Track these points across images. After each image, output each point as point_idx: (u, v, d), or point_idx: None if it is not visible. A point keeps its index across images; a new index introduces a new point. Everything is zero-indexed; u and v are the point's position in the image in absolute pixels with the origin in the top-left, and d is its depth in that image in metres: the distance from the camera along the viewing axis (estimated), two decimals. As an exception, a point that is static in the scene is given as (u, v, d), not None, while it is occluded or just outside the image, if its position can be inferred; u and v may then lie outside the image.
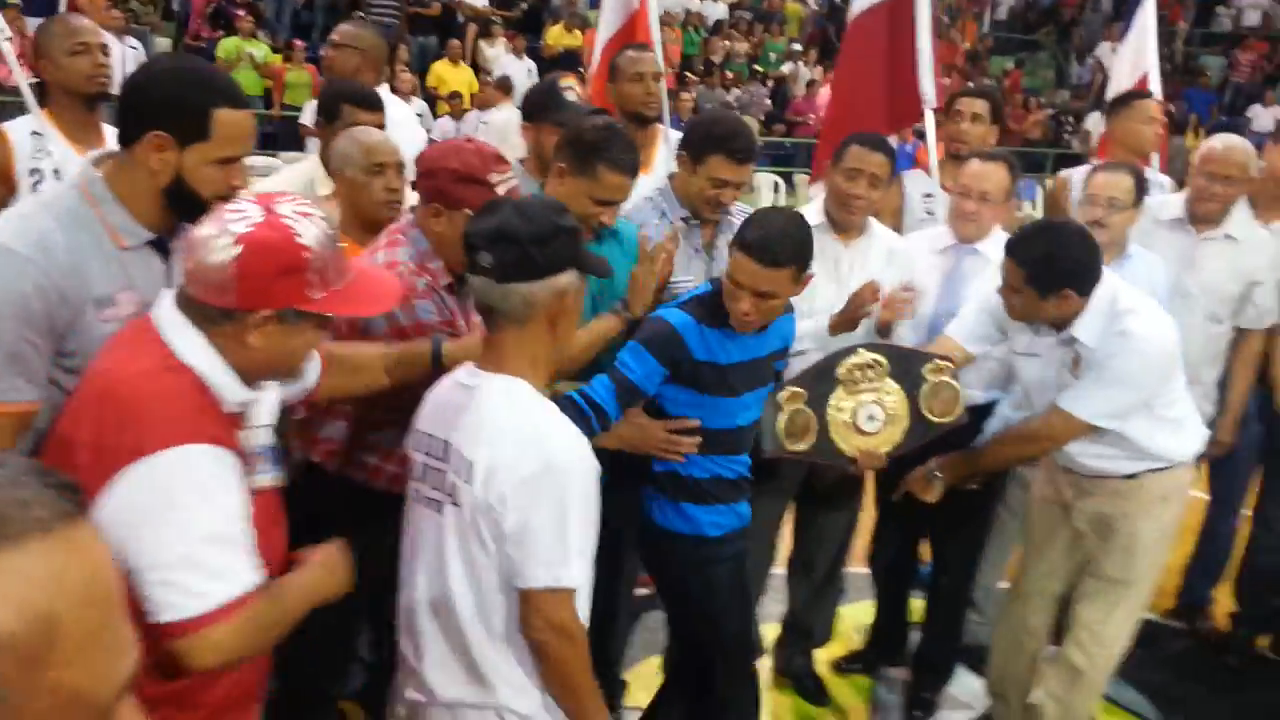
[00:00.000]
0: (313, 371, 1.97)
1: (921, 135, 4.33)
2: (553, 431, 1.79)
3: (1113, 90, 4.85)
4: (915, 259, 3.26)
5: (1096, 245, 2.71)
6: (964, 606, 3.51)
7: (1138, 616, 3.01)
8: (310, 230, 1.57)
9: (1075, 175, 4.13)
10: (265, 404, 1.70)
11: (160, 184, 1.85)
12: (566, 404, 2.29)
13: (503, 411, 1.78)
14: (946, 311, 3.20)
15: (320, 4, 14.10)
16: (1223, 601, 4.17)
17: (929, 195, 3.93)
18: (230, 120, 1.88)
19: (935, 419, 2.80)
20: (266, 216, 1.55)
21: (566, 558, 1.75)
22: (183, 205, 1.86)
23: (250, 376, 1.61)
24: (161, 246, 1.91)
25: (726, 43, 16.42)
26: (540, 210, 1.84)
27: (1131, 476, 2.87)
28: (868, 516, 3.54)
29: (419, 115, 11.38)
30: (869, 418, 2.76)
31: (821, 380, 2.74)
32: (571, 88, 3.08)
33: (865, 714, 3.52)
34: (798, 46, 16.99)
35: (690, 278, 2.81)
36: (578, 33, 14.42)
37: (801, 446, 2.74)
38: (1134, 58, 5.11)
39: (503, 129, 9.60)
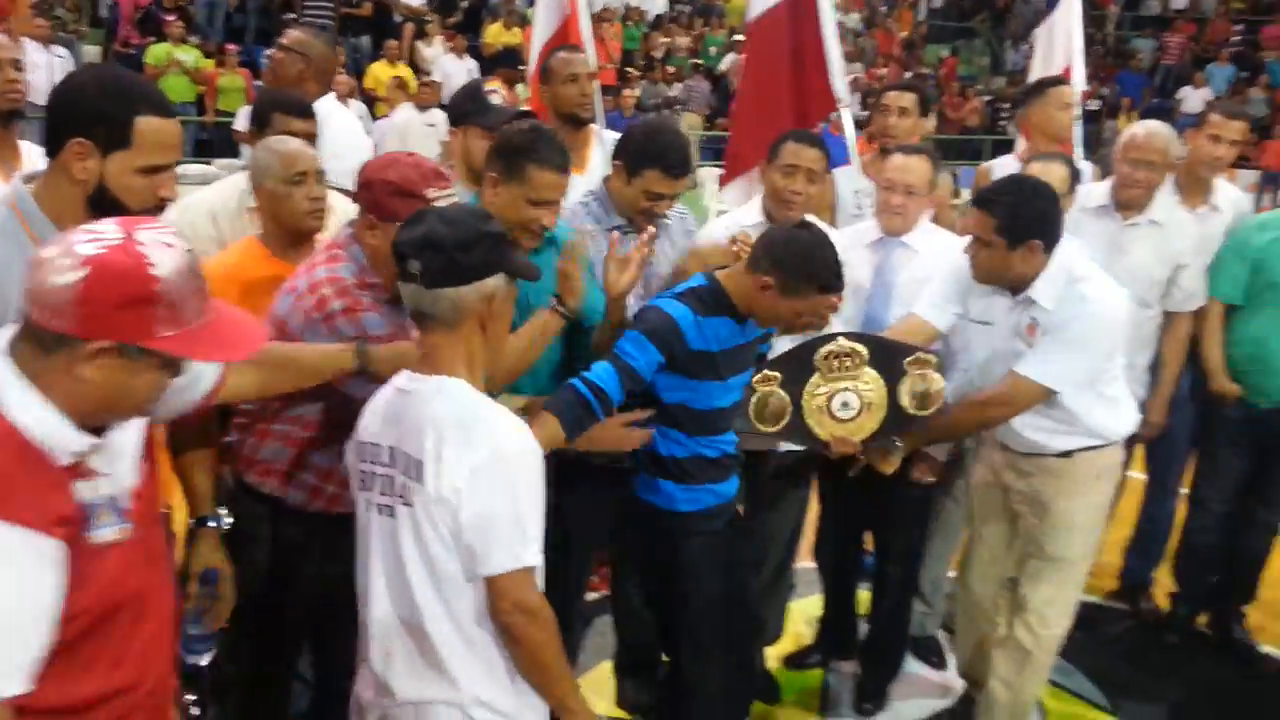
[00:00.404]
0: (206, 379, 1.92)
1: (860, 127, 4.33)
2: (495, 421, 1.87)
3: (1033, 78, 4.91)
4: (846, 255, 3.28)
5: (1058, 200, 2.81)
6: (910, 597, 3.55)
7: (1079, 595, 3.09)
8: (167, 261, 1.44)
9: (997, 165, 4.19)
10: (114, 449, 1.57)
11: (85, 193, 1.86)
12: (568, 390, 2.35)
13: (443, 409, 1.85)
14: (879, 304, 3.24)
15: (252, 7, 13.88)
16: (1163, 581, 4.24)
17: (858, 191, 3.96)
18: (154, 128, 1.87)
19: (913, 411, 2.84)
20: (123, 241, 1.43)
21: (524, 538, 1.84)
22: (108, 215, 1.81)
23: (86, 417, 1.48)
24: None
25: (667, 38, 16.42)
26: (464, 217, 1.91)
27: (1066, 455, 2.94)
28: (812, 511, 3.56)
29: (359, 118, 11.29)
30: (843, 405, 2.82)
31: (798, 365, 2.80)
32: (495, 90, 3.06)
33: (817, 708, 3.54)
34: (740, 37, 17.04)
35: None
36: (517, 30, 14.32)
37: (773, 429, 2.81)
38: (1060, 57, 5.16)
39: (403, 130, 9.49)
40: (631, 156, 2.80)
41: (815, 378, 2.80)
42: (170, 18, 12.21)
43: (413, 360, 1.96)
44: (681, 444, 2.60)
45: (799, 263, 2.41)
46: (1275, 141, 15.76)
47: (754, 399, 2.76)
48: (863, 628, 3.62)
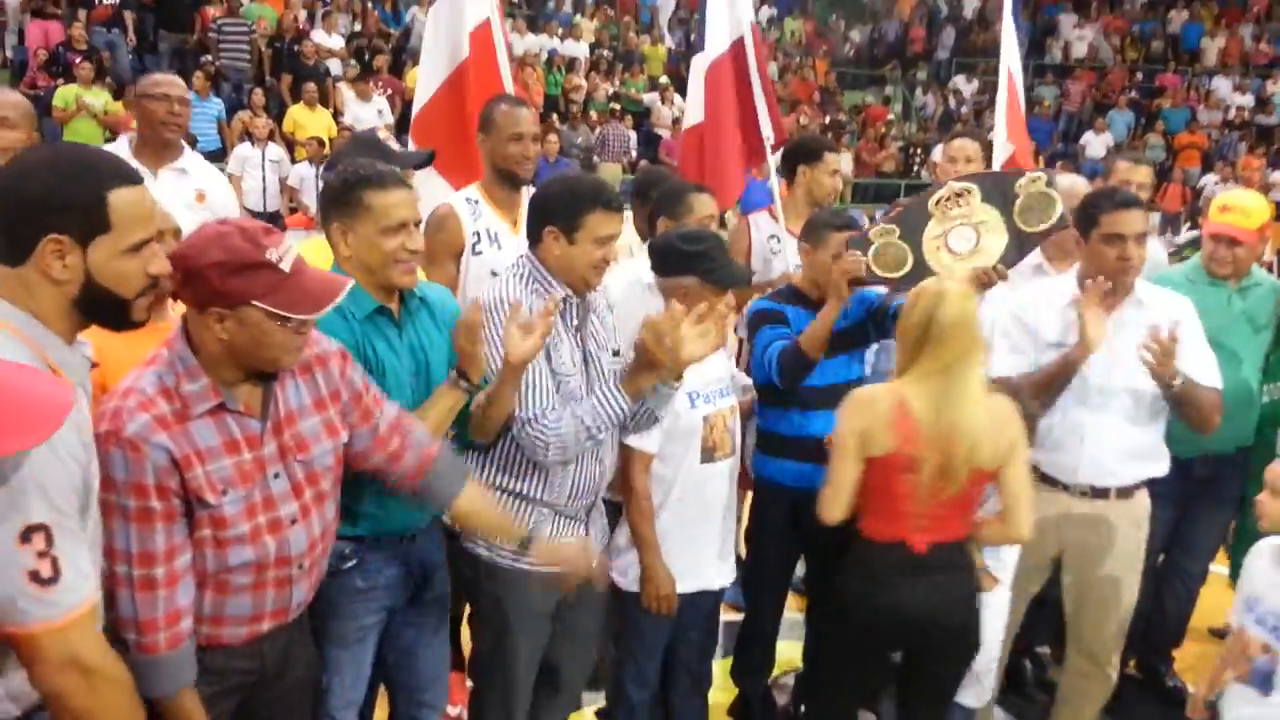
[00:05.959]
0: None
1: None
2: None
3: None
4: None
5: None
6: None
7: None
8: None
9: None
10: None
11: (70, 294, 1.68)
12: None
13: None
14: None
15: (165, 50, 13.59)
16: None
17: (773, 237, 4.10)
18: (127, 201, 1.71)
19: (1030, 229, 2.95)
20: None
21: None
22: (100, 312, 1.74)
23: None
24: None
25: (584, 82, 16.47)
26: None
27: (1128, 495, 3.16)
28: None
29: (276, 161, 11.11)
30: (960, 238, 2.96)
31: (915, 216, 3.01)
32: (390, 138, 2.99)
33: None
34: (665, 80, 17.20)
35: (576, 370, 2.63)
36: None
37: (895, 274, 2.98)
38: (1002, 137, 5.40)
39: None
40: (565, 213, 2.56)
41: (931, 224, 2.98)
42: (78, 60, 11.83)
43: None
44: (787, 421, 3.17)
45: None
46: (1173, 185, 16.44)
47: (873, 249, 2.96)
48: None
